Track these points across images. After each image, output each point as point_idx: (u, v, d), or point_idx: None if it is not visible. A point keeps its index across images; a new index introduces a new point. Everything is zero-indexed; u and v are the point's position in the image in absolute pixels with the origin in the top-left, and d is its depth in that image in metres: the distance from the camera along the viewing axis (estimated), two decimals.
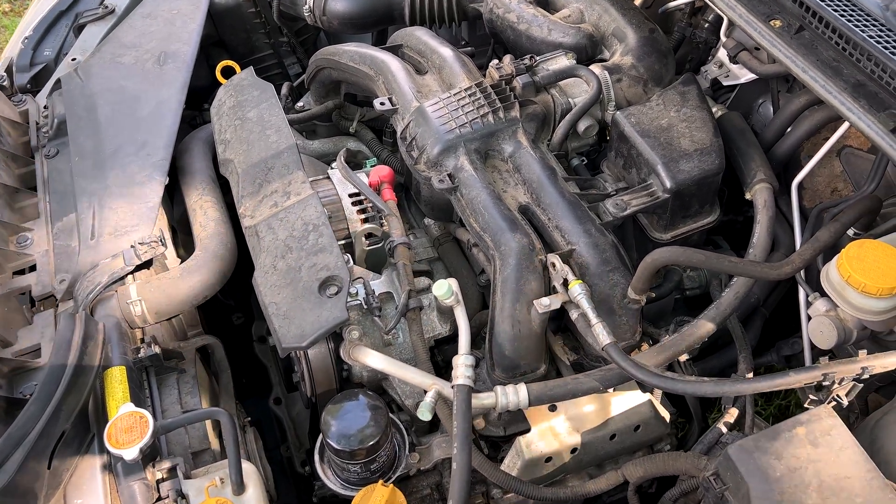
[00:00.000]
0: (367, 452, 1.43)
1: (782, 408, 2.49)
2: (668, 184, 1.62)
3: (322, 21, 2.23)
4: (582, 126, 1.78)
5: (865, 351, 1.33)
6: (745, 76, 1.95)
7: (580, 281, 1.46)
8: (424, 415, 1.41)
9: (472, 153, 1.68)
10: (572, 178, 1.70)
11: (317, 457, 1.56)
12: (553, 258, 1.50)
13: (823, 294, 1.48)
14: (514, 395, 1.44)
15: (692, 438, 1.80)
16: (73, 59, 2.19)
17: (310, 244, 1.56)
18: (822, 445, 1.20)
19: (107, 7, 2.29)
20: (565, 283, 1.48)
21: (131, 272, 1.65)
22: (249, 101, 1.87)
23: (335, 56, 2.01)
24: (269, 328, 1.53)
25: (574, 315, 1.48)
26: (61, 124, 2.01)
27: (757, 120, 2.04)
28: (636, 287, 1.50)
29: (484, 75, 1.83)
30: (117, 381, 1.49)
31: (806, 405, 1.40)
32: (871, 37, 1.39)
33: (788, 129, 1.86)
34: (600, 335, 1.40)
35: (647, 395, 1.61)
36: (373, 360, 1.50)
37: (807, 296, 1.63)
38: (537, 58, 1.82)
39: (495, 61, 1.79)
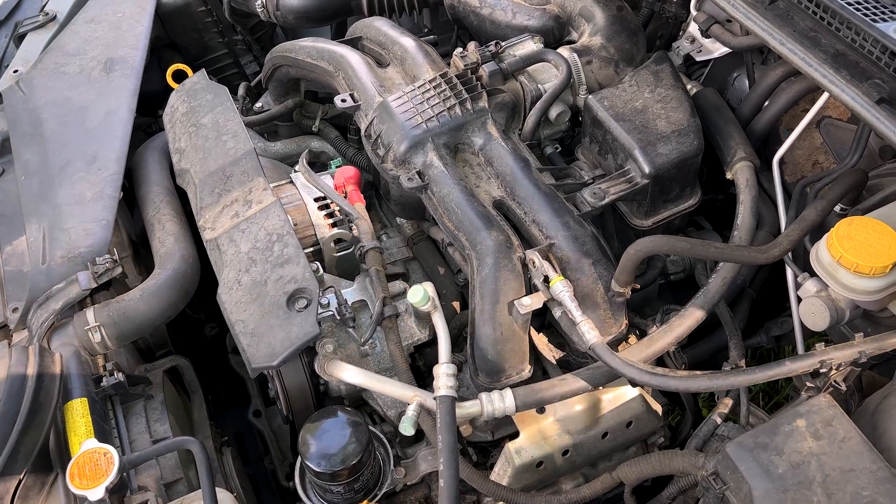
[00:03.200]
0: (350, 472, 1.36)
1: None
2: (646, 169, 1.55)
3: (276, 17, 2.13)
4: (553, 113, 1.71)
5: (862, 334, 1.27)
6: (718, 50, 1.89)
7: (561, 277, 1.39)
8: (407, 430, 1.34)
9: (440, 148, 1.60)
10: (547, 168, 1.63)
11: (297, 478, 1.48)
12: (532, 255, 1.43)
13: (813, 274, 1.43)
14: (499, 401, 1.38)
15: (685, 428, 1.75)
16: (15, 71, 2.07)
17: (275, 255, 1.48)
18: (824, 437, 1.14)
19: (48, 14, 2.16)
20: (546, 281, 1.41)
21: (88, 296, 1.55)
22: (203, 105, 1.77)
23: (291, 53, 1.92)
24: (238, 347, 1.45)
25: (557, 313, 1.42)
26: (5, 141, 1.90)
27: (732, 94, 1.98)
28: (620, 279, 1.43)
29: (448, 65, 1.75)
30: (79, 415, 1.40)
31: (802, 392, 1.35)
32: (849, 4, 1.32)
33: (766, 103, 1.81)
34: (585, 334, 1.33)
35: (638, 390, 1.55)
36: (349, 374, 1.42)
37: (795, 277, 1.58)
38: (503, 43, 1.74)
39: (459, 50, 1.71)
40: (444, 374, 1.34)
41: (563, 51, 1.74)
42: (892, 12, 1.28)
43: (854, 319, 1.44)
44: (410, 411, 1.36)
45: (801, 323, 1.60)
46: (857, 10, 1.29)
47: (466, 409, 1.37)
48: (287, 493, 1.89)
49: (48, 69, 2.00)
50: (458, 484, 1.26)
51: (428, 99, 1.63)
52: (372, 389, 1.44)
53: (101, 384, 1.48)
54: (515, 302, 1.40)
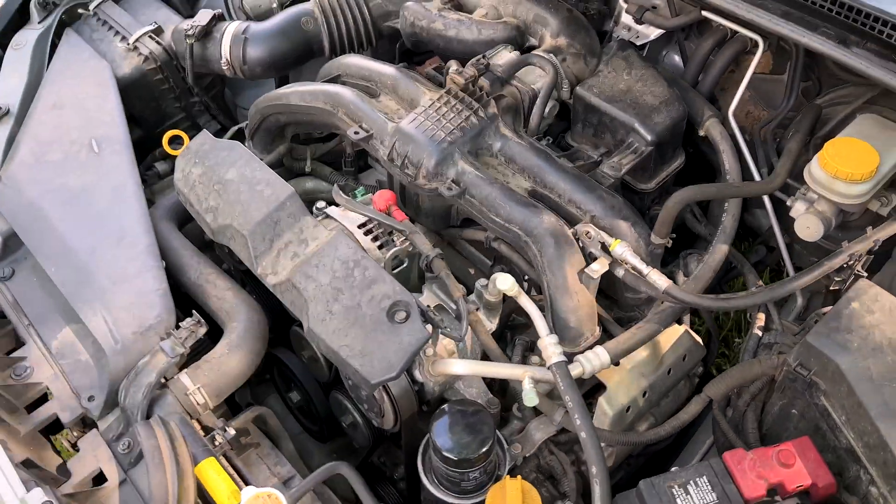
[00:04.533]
0: (485, 455, 1.48)
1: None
2: (648, 137, 1.79)
3: (243, 71, 2.19)
4: (546, 108, 1.92)
5: (871, 227, 1.57)
6: (653, 33, 2.18)
7: (619, 241, 1.59)
8: (533, 400, 1.48)
9: (466, 156, 1.76)
10: (561, 154, 1.84)
11: (426, 481, 1.57)
12: (585, 227, 1.62)
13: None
14: (596, 358, 1.55)
15: (713, 355, 2.01)
16: None
17: (358, 280, 1.57)
18: (877, 311, 1.41)
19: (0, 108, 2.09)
20: (604, 247, 1.61)
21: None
22: (221, 163, 1.81)
23: (282, 100, 2.00)
24: (346, 371, 1.53)
25: (620, 272, 1.61)
26: (8, 240, 1.84)
27: (664, 69, 2.28)
28: (660, 231, 1.66)
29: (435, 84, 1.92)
30: (214, 474, 1.42)
31: (832, 287, 1.63)
32: None
33: (701, 71, 2.11)
34: (657, 281, 1.54)
35: (684, 326, 1.78)
36: (459, 367, 1.55)
37: (773, 205, 1.89)
38: (487, 56, 1.92)
39: (454, 67, 1.88)
40: (551, 344, 1.50)
41: (541, 52, 1.95)
42: None
43: (836, 227, 1.75)
44: (527, 385, 1.50)
45: (785, 242, 1.92)
46: None
47: (571, 371, 1.53)
48: None
49: (28, 161, 1.95)
50: (596, 433, 1.41)
51: (443, 115, 1.78)
52: (484, 374, 1.57)
53: (217, 442, 1.50)
54: (586, 270, 1.59)
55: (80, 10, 2.40)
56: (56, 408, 1.59)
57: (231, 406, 2.09)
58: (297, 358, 2.02)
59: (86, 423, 1.63)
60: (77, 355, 1.65)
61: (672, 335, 1.77)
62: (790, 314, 1.88)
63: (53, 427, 1.64)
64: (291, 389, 2.08)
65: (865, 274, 1.59)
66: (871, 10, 1.50)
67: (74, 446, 1.56)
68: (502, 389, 1.80)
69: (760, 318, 1.77)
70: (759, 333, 1.74)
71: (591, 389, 1.76)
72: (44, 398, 1.63)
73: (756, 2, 1.71)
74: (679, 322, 1.82)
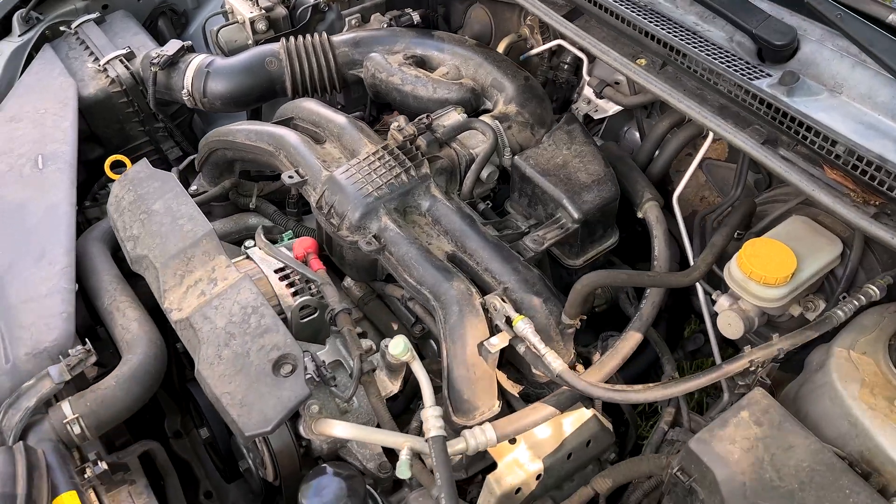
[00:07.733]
0: None
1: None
2: (575, 215, 1.77)
3: (203, 103, 2.21)
4: (484, 173, 1.90)
5: (777, 335, 1.52)
6: (612, 109, 2.17)
7: (522, 316, 1.56)
8: (404, 473, 1.44)
9: (392, 212, 1.75)
10: (489, 221, 1.82)
11: None
12: (493, 299, 1.59)
13: (724, 291, 1.68)
14: (481, 435, 1.51)
15: (630, 442, 1.95)
16: None
17: (252, 327, 1.56)
18: (765, 423, 1.36)
19: None
20: (508, 321, 1.58)
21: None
22: (151, 193, 1.83)
23: (229, 136, 2.02)
24: (225, 419, 1.50)
25: (521, 349, 1.58)
26: None
27: (624, 146, 2.26)
28: (570, 312, 1.62)
29: (381, 137, 1.91)
30: None
31: (735, 392, 1.57)
32: (723, 64, 1.61)
33: (657, 151, 2.09)
34: (552, 363, 1.51)
35: (592, 411, 1.73)
36: (340, 430, 1.51)
37: (710, 295, 1.84)
38: (432, 116, 1.92)
39: (395, 123, 1.88)
40: (432, 417, 1.46)
41: (486, 118, 1.95)
42: (760, 72, 1.58)
43: (760, 326, 1.70)
44: (403, 456, 1.46)
45: (715, 335, 1.87)
46: (736, 71, 1.58)
47: (454, 446, 1.49)
48: None
49: None
50: None
51: (375, 169, 1.78)
52: (364, 440, 1.53)
53: (86, 475, 1.48)
54: (485, 343, 1.56)
55: (62, 28, 2.47)
56: None
57: (157, 433, 2.08)
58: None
59: None
60: None
61: (579, 419, 1.72)
62: (716, 409, 1.82)
63: None
64: (203, 425, 2.06)
65: (769, 381, 1.53)
66: (796, 115, 1.47)
67: None
68: None
69: (669, 412, 1.71)
70: (665, 428, 1.69)
71: (490, 466, 1.71)
72: None
73: (695, 92, 1.69)
74: (593, 405, 1.77)
